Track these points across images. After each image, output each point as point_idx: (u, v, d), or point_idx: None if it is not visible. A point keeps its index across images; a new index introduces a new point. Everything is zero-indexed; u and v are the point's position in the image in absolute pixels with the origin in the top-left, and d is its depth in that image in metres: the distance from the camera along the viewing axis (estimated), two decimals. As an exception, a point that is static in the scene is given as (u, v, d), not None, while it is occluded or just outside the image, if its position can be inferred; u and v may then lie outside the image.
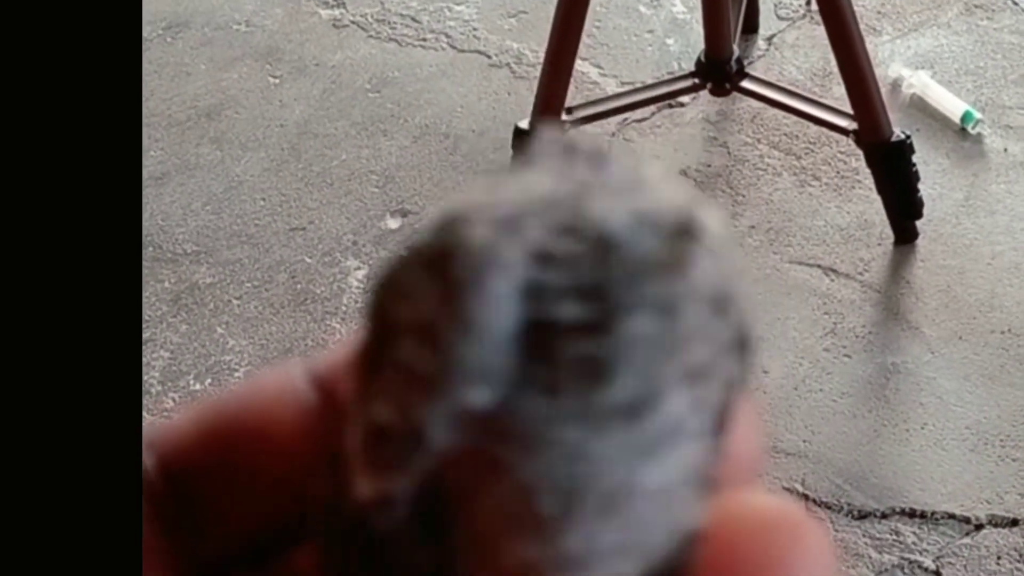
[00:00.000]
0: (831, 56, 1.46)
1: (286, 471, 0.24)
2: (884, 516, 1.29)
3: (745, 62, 1.54)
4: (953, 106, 1.67)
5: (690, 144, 1.69)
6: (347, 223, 1.63)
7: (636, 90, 1.62)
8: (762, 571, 0.20)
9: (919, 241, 1.54)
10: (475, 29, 1.90)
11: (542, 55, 1.52)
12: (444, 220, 0.20)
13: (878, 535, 1.28)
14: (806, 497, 1.31)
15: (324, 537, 0.22)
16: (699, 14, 1.49)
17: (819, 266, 1.52)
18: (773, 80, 1.58)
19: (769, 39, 1.83)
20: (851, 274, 1.51)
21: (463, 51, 1.87)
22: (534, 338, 0.19)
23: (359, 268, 1.57)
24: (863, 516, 1.29)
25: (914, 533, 1.28)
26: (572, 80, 1.52)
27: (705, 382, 0.20)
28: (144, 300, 1.54)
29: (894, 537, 1.27)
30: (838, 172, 1.63)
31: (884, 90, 1.52)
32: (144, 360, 1.48)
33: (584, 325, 0.19)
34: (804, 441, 1.35)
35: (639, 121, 1.70)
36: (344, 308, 1.53)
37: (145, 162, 1.71)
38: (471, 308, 0.19)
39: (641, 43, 1.86)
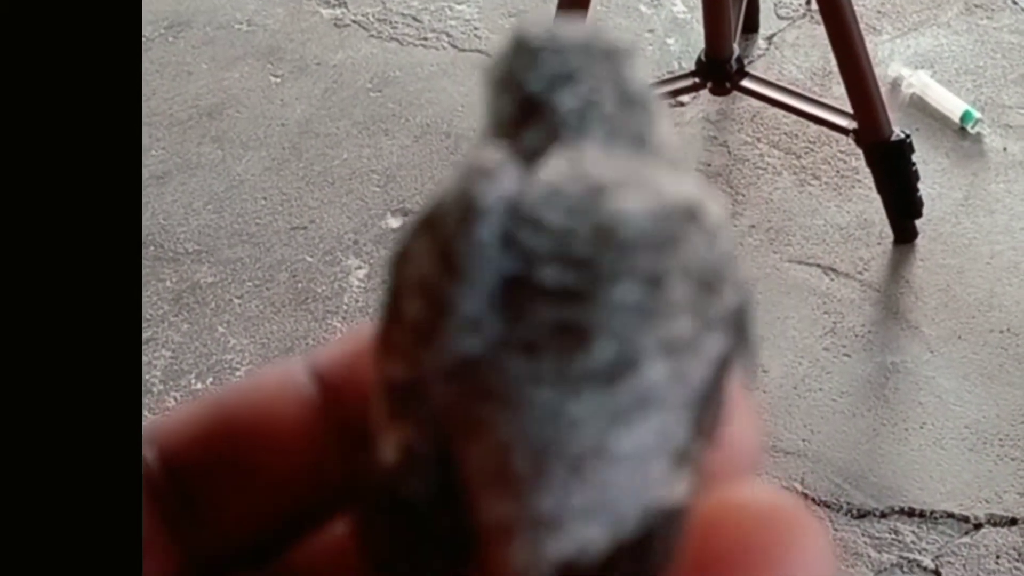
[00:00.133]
0: (831, 55, 1.46)
1: (287, 466, 0.24)
2: (883, 515, 1.29)
3: (745, 61, 1.54)
4: (953, 105, 1.67)
5: (690, 143, 1.69)
6: (348, 222, 1.63)
7: (636, 89, 1.62)
8: (761, 564, 0.21)
9: (918, 240, 1.54)
10: (476, 28, 1.90)
11: (542, 55, 1.51)
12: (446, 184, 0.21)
13: (877, 534, 1.28)
14: (805, 496, 1.31)
15: (356, 516, 0.22)
16: (699, 13, 1.49)
17: (819, 265, 1.52)
18: (773, 79, 1.58)
19: (769, 38, 1.83)
20: (851, 273, 1.51)
21: (464, 50, 1.87)
22: (516, 298, 0.20)
23: (360, 267, 1.57)
24: (862, 515, 1.29)
25: (913, 532, 1.28)
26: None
27: (687, 356, 0.20)
28: (145, 299, 1.54)
29: (893, 536, 1.28)
30: (838, 171, 1.63)
31: (884, 89, 1.52)
32: (145, 359, 1.48)
33: (566, 290, 0.20)
34: (803, 440, 1.35)
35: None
36: (345, 307, 1.53)
37: (146, 161, 1.71)
38: (456, 253, 0.20)
39: (641, 42, 1.86)
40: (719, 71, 1.51)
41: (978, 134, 1.66)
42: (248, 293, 1.56)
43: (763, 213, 1.59)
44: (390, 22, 1.93)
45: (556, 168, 0.21)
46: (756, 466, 0.23)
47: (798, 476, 1.32)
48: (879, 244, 1.54)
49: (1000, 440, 1.34)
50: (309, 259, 1.59)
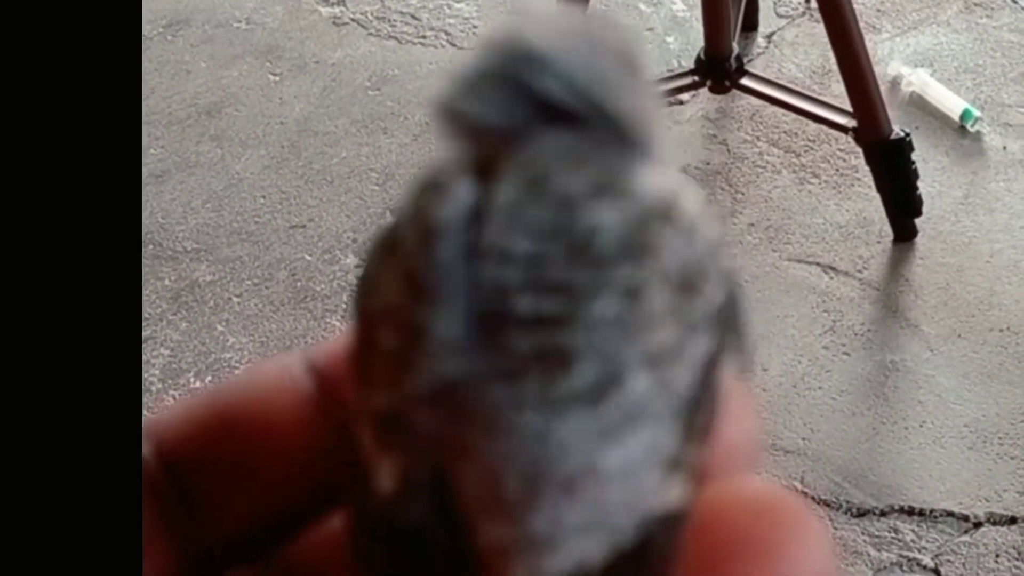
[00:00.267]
0: (830, 54, 1.46)
1: (284, 461, 0.24)
2: (883, 514, 1.29)
3: (745, 60, 1.54)
4: (952, 104, 1.67)
5: (689, 141, 1.69)
6: (347, 221, 1.63)
7: (636, 88, 1.62)
8: (760, 558, 0.21)
9: (918, 239, 1.54)
10: (475, 27, 1.90)
11: (542, 53, 1.51)
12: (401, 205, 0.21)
13: (877, 533, 1.28)
14: (805, 495, 1.31)
15: (353, 539, 0.22)
16: (699, 12, 1.49)
17: (818, 264, 1.52)
18: (773, 77, 1.58)
19: (768, 37, 1.83)
20: (850, 272, 1.51)
21: (463, 49, 1.87)
22: (492, 327, 0.20)
23: (359, 266, 1.57)
24: (862, 514, 1.29)
25: (913, 531, 1.28)
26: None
27: (671, 364, 0.20)
28: (144, 298, 1.54)
29: (893, 535, 1.28)
30: (837, 170, 1.63)
31: (883, 88, 1.52)
32: (144, 358, 1.48)
33: (544, 317, 0.20)
34: (803, 439, 1.36)
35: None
36: (344, 306, 1.53)
37: (145, 160, 1.71)
38: (421, 275, 0.20)
39: (641, 40, 1.85)
40: (718, 69, 1.51)
41: (978, 132, 1.66)
42: (247, 292, 1.56)
43: (762, 211, 1.59)
44: (389, 20, 1.93)
45: (516, 185, 0.20)
46: (755, 462, 0.23)
47: (798, 475, 1.32)
48: (878, 242, 1.54)
49: (1000, 439, 1.34)
50: (308, 258, 1.59)
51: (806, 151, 1.66)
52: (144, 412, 0.23)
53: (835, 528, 1.28)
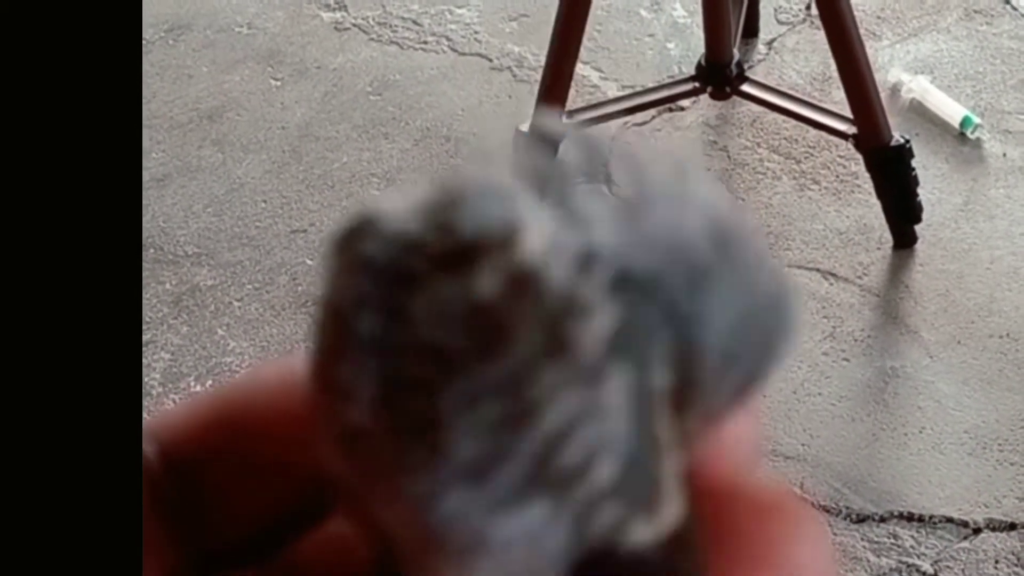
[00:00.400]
0: (831, 60, 1.46)
1: (287, 461, 0.24)
2: (882, 520, 1.29)
3: (745, 66, 1.54)
4: (952, 111, 1.67)
5: (690, 148, 1.69)
6: (348, 225, 1.63)
7: (636, 94, 1.63)
8: (761, 556, 0.21)
9: (918, 245, 1.54)
10: (476, 32, 1.90)
11: (543, 58, 1.52)
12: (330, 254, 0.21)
13: (876, 539, 1.28)
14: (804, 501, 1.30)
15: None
16: (700, 18, 1.49)
17: (818, 270, 1.52)
18: (773, 84, 1.58)
19: (769, 43, 1.83)
20: (850, 278, 1.51)
21: (464, 54, 1.87)
22: (391, 387, 0.20)
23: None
24: (861, 520, 1.29)
25: (912, 537, 1.28)
26: (573, 84, 1.52)
27: (573, 436, 0.20)
28: (145, 302, 1.54)
29: (892, 541, 1.28)
30: (837, 176, 1.63)
31: (884, 95, 1.53)
32: (145, 362, 1.48)
33: (428, 382, 0.20)
34: (803, 445, 1.36)
35: (639, 124, 1.71)
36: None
37: (146, 164, 1.71)
38: (339, 338, 0.21)
39: (642, 47, 1.86)
40: (719, 76, 1.51)
41: (977, 139, 1.66)
42: (248, 296, 1.56)
43: (763, 218, 1.59)
44: (390, 26, 1.93)
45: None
46: (756, 463, 0.23)
47: (797, 481, 1.32)
48: (879, 249, 1.54)
49: (999, 445, 1.34)
50: (309, 262, 1.59)
51: (806, 157, 1.66)
52: (144, 416, 0.23)
53: (835, 534, 1.28)
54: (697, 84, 1.52)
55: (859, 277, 1.52)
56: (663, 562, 0.20)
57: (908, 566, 1.26)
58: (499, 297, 0.19)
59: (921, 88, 1.71)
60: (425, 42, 1.90)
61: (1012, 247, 1.54)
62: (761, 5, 1.79)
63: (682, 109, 1.73)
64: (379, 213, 0.21)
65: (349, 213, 0.21)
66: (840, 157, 1.64)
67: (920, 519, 1.29)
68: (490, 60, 1.86)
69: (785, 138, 1.68)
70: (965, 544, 1.27)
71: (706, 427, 0.21)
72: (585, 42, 1.51)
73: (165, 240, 1.63)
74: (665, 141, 1.71)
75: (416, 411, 0.20)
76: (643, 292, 0.20)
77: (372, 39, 1.91)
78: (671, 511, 0.20)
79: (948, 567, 1.25)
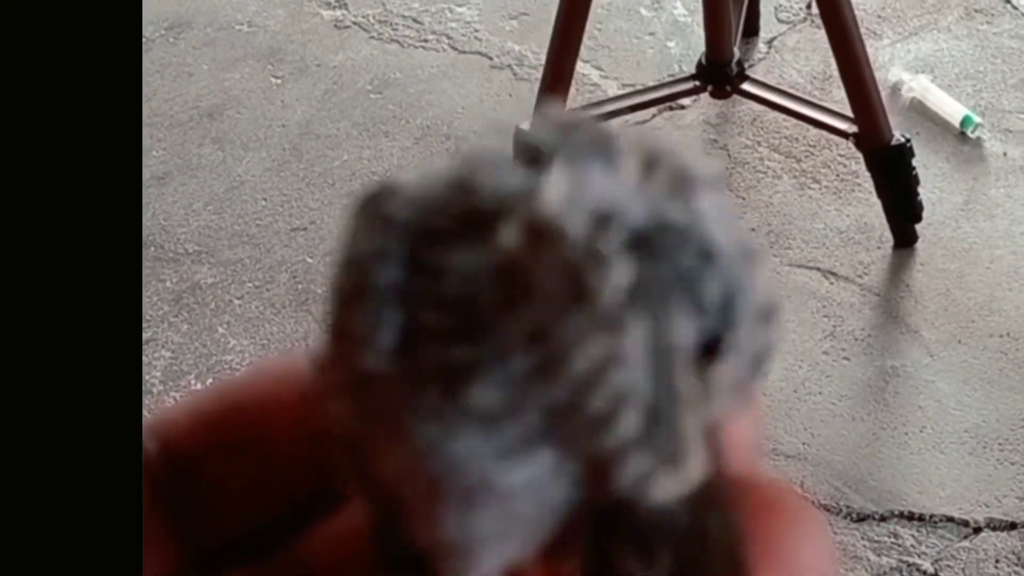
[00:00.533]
0: (831, 59, 1.46)
1: (288, 455, 0.24)
2: (883, 519, 1.29)
3: (746, 65, 1.54)
4: (953, 110, 1.67)
5: (690, 147, 1.69)
6: (348, 224, 1.63)
7: (637, 92, 1.63)
8: (763, 554, 0.21)
9: (918, 245, 1.54)
10: (476, 31, 1.90)
11: (543, 57, 1.52)
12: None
13: (877, 538, 1.28)
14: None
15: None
16: (700, 17, 1.49)
17: (819, 269, 1.52)
18: (773, 83, 1.58)
19: (770, 42, 1.83)
20: (850, 277, 1.51)
21: (464, 52, 1.87)
22: (407, 335, 0.20)
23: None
24: (862, 519, 1.29)
25: (912, 536, 1.28)
26: (573, 82, 1.52)
27: (599, 386, 0.20)
28: (146, 300, 1.54)
29: (892, 540, 1.28)
30: (838, 175, 1.63)
31: (884, 94, 1.53)
32: (145, 360, 1.48)
33: (450, 332, 0.20)
34: (803, 444, 1.36)
35: (640, 123, 1.71)
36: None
37: (147, 162, 1.71)
38: (354, 285, 0.21)
39: (642, 45, 1.86)
40: (720, 75, 1.51)
41: (978, 139, 1.66)
42: (248, 294, 1.56)
43: (763, 217, 1.59)
44: (391, 24, 1.93)
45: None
46: (757, 458, 0.23)
47: (798, 480, 1.32)
48: (879, 248, 1.54)
49: (1000, 444, 1.34)
50: (309, 260, 1.59)
51: (807, 156, 1.66)
52: (145, 415, 0.23)
53: (835, 533, 1.28)
54: (697, 83, 1.52)
55: (859, 276, 1.52)
56: (688, 518, 0.21)
57: (908, 565, 1.26)
58: (522, 249, 0.20)
59: (922, 87, 1.71)
60: (425, 40, 1.90)
61: (1012, 246, 1.54)
62: (762, 4, 1.79)
63: (682, 108, 1.73)
64: (400, 180, 0.22)
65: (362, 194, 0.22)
66: (840, 156, 1.64)
67: (921, 518, 1.29)
68: (490, 58, 1.86)
69: (786, 137, 1.68)
70: (965, 543, 1.27)
71: (731, 398, 0.21)
72: (585, 40, 1.51)
73: (165, 238, 1.63)
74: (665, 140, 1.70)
75: (434, 359, 0.20)
76: (658, 252, 0.20)
77: (372, 37, 1.91)
78: (695, 468, 0.21)
79: (948, 566, 1.25)
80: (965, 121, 1.66)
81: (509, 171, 0.21)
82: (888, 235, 1.54)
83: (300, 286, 1.56)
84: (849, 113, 1.46)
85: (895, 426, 1.37)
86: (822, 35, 1.48)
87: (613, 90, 1.76)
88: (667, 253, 0.21)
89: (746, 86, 1.52)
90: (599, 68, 1.82)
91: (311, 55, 1.89)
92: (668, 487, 0.20)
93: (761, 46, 1.82)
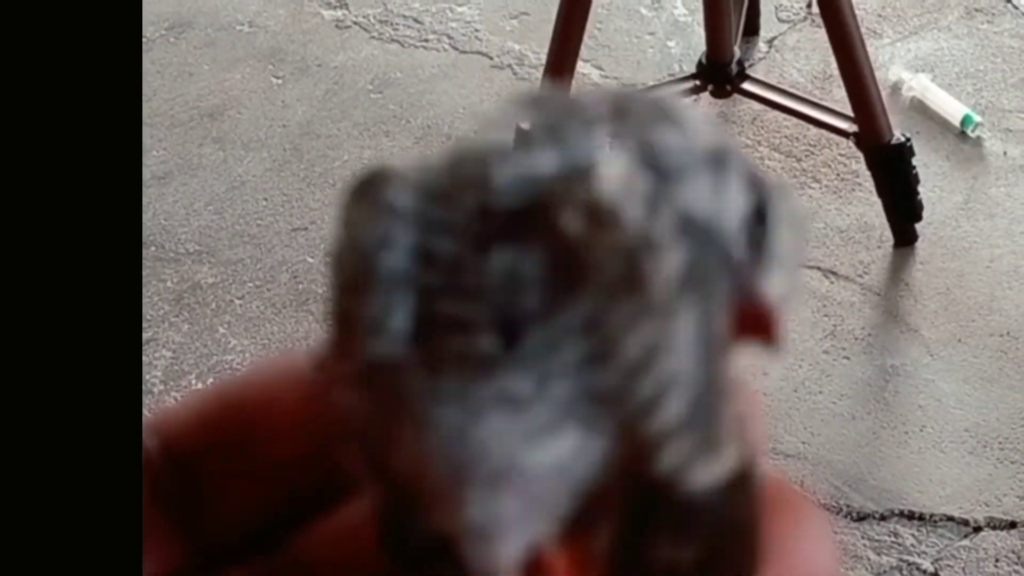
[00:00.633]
0: (832, 59, 1.46)
1: (288, 452, 0.24)
2: (883, 518, 1.29)
3: (746, 64, 1.54)
4: (953, 109, 1.67)
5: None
6: (349, 223, 1.63)
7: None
8: (768, 548, 0.21)
9: (918, 244, 1.54)
10: (477, 30, 1.90)
11: (544, 57, 1.52)
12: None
13: (877, 537, 1.28)
14: (805, 498, 1.30)
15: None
16: (700, 16, 1.49)
17: (819, 268, 1.52)
18: (774, 82, 1.58)
19: (770, 42, 1.83)
20: (851, 276, 1.51)
21: (465, 52, 1.87)
22: (425, 324, 0.20)
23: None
24: (862, 518, 1.30)
25: (913, 535, 1.28)
26: (574, 82, 1.52)
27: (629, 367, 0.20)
28: (146, 300, 1.54)
29: (893, 539, 1.28)
30: (838, 174, 1.63)
31: (884, 93, 1.53)
32: (146, 359, 1.48)
33: (473, 323, 0.20)
34: (803, 443, 1.36)
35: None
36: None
37: (148, 162, 1.71)
38: (362, 269, 0.21)
39: (642, 45, 1.86)
40: (720, 74, 1.51)
41: (978, 138, 1.66)
42: (249, 294, 1.56)
43: (763, 216, 1.59)
44: (391, 24, 1.93)
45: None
46: (759, 455, 0.23)
47: (798, 479, 1.32)
48: (879, 247, 1.54)
49: (1000, 443, 1.34)
50: (310, 260, 1.59)
51: (807, 156, 1.66)
52: (145, 414, 0.23)
53: (835, 532, 1.28)
54: (698, 82, 1.52)
55: (860, 275, 1.52)
56: (721, 507, 0.21)
57: (909, 564, 1.26)
58: (580, 236, 0.20)
59: (922, 86, 1.71)
60: (426, 40, 1.90)
61: (1012, 245, 1.54)
62: (762, 3, 1.79)
63: (683, 107, 1.73)
64: (393, 168, 0.21)
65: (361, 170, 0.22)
66: (841, 155, 1.64)
67: (921, 517, 1.29)
68: (491, 58, 1.86)
69: (786, 136, 1.68)
70: (966, 542, 1.27)
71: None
72: (586, 40, 1.51)
73: (166, 238, 1.63)
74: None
75: (456, 347, 0.20)
76: (705, 236, 0.20)
77: (373, 37, 1.91)
78: (730, 457, 0.20)
79: (948, 565, 1.25)
80: (965, 120, 1.66)
81: (525, 164, 0.21)
82: (888, 234, 1.54)
83: (301, 286, 1.56)
84: (849, 112, 1.46)
85: (895, 425, 1.37)
86: (822, 34, 1.48)
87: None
88: (715, 238, 0.20)
89: (746, 85, 1.52)
90: (599, 68, 1.82)
91: (312, 55, 1.89)
92: (707, 473, 0.20)
93: (761, 45, 1.82)
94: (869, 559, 1.26)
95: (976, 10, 1.86)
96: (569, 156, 0.21)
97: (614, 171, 0.20)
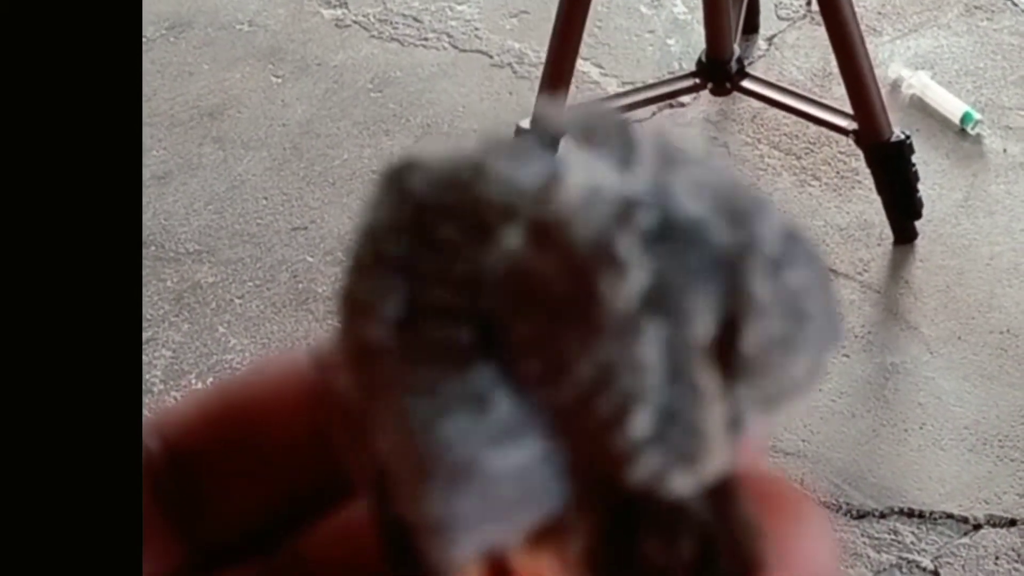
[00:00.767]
0: (831, 56, 1.46)
1: (291, 450, 0.24)
2: (882, 516, 1.29)
3: (746, 62, 1.54)
4: (953, 107, 1.67)
5: (690, 144, 1.69)
6: (349, 222, 1.63)
7: (637, 90, 1.63)
8: (767, 547, 0.21)
9: (918, 241, 1.54)
10: (477, 29, 1.90)
11: (543, 55, 1.52)
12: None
13: (876, 535, 1.28)
14: (805, 496, 1.31)
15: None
16: (700, 14, 1.49)
17: (819, 266, 1.52)
18: (773, 80, 1.59)
19: (769, 39, 1.83)
20: (850, 274, 1.51)
21: (465, 51, 1.87)
22: (411, 310, 0.20)
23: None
24: (861, 516, 1.30)
25: (912, 533, 1.28)
26: (573, 80, 1.52)
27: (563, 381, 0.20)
28: (146, 299, 1.54)
29: (892, 537, 1.28)
30: (838, 172, 1.63)
31: (884, 90, 1.53)
32: (146, 359, 1.48)
33: (451, 312, 0.20)
34: (803, 441, 1.36)
35: (640, 121, 1.71)
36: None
37: (148, 161, 1.71)
38: (365, 252, 0.21)
39: (642, 43, 1.86)
40: (719, 72, 1.51)
41: (978, 135, 1.66)
42: (249, 293, 1.56)
43: (763, 214, 1.59)
44: (391, 23, 1.93)
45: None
46: (760, 454, 0.23)
47: (797, 477, 1.32)
48: (879, 245, 1.54)
49: (1000, 441, 1.34)
50: (310, 259, 1.59)
51: (807, 153, 1.66)
52: (146, 414, 0.23)
53: (835, 530, 1.28)
54: (697, 80, 1.52)
55: (859, 273, 1.52)
56: (706, 513, 0.20)
57: (908, 562, 1.26)
58: (527, 251, 0.20)
59: (921, 84, 1.71)
60: (426, 39, 1.90)
61: (1012, 243, 1.54)
62: (761, 1, 1.79)
63: (682, 105, 1.73)
64: (425, 156, 0.21)
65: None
66: (840, 153, 1.64)
67: (920, 515, 1.29)
68: (490, 57, 1.86)
69: (785, 134, 1.68)
70: (965, 540, 1.27)
71: (763, 396, 0.21)
72: (586, 38, 1.52)
73: (166, 237, 1.63)
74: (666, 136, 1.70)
75: (433, 336, 0.20)
76: (687, 239, 0.20)
77: (373, 36, 1.91)
78: (716, 463, 0.20)
79: (948, 563, 1.25)
80: (965, 118, 1.66)
81: (527, 163, 0.21)
82: (888, 232, 1.54)
83: (301, 285, 1.56)
84: (849, 110, 1.46)
85: (895, 423, 1.37)
86: (822, 32, 1.48)
87: (613, 88, 1.76)
88: (700, 238, 0.20)
89: (746, 83, 1.52)
90: (599, 66, 1.82)
91: (312, 54, 1.89)
92: (686, 481, 0.20)
93: (761, 43, 1.82)
94: (869, 557, 1.26)
95: (976, 7, 1.86)
96: (541, 170, 0.20)
97: (573, 187, 0.20)
